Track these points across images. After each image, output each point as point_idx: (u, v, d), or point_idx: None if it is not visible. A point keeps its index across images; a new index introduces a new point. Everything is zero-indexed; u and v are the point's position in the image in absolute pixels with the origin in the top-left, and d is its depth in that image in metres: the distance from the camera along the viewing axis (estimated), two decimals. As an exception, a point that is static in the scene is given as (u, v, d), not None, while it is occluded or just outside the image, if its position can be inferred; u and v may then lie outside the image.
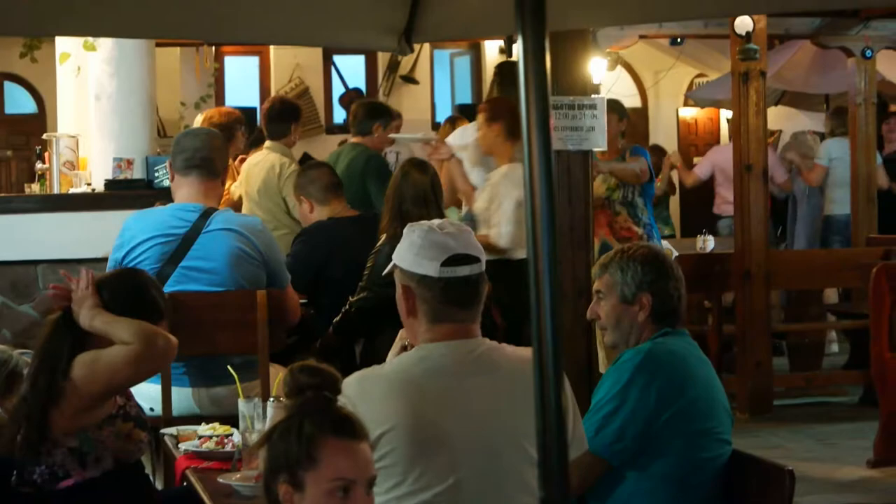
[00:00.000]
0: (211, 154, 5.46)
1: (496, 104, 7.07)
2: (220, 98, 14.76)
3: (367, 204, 7.07)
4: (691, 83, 16.73)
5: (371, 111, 7.94)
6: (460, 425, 3.06)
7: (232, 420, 4.17)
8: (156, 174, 7.97)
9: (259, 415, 3.92)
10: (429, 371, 3.11)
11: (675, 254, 8.09)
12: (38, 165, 8.86)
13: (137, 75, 8.28)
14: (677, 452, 3.63)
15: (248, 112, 8.39)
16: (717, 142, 16.25)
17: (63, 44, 8.62)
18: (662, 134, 16.61)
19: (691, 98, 16.12)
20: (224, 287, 5.26)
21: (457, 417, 3.06)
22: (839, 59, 10.89)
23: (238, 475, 3.65)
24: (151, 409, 4.93)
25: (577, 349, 6.64)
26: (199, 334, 5.14)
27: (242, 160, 7.75)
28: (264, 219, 6.45)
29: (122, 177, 8.03)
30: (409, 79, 15.27)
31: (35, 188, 8.92)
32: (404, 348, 3.37)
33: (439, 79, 15.76)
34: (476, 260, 3.19)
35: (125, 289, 4.16)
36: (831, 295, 10.44)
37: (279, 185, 7.47)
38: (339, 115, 14.94)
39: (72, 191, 8.18)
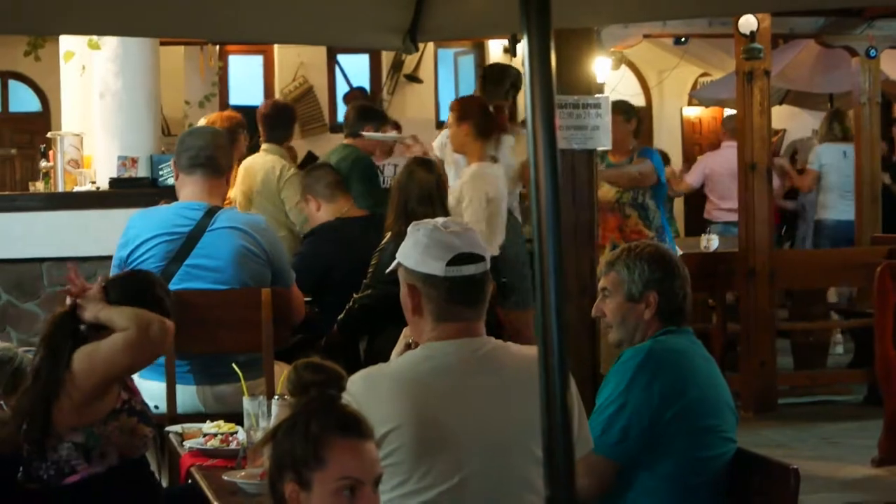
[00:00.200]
0: (215, 153, 5.47)
1: (465, 103, 7.10)
2: (223, 97, 14.75)
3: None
4: (695, 82, 16.71)
5: (363, 114, 7.97)
6: (465, 424, 3.06)
7: (237, 418, 4.17)
8: (160, 172, 7.97)
9: (264, 412, 3.93)
10: (434, 370, 3.12)
11: (679, 252, 8.09)
12: (43, 164, 8.86)
13: (142, 74, 8.28)
14: (682, 450, 3.63)
15: (252, 111, 8.38)
16: (720, 143, 16.22)
17: (67, 42, 8.62)
18: (666, 133, 16.59)
19: (695, 97, 16.11)
20: (229, 285, 5.26)
21: (462, 416, 3.06)
22: (843, 59, 10.87)
23: (243, 473, 3.65)
24: (156, 407, 4.94)
25: (581, 348, 6.65)
26: (203, 332, 5.15)
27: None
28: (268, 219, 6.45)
29: (126, 175, 8.02)
30: (413, 78, 15.26)
31: (39, 186, 8.92)
32: (408, 346, 3.38)
33: (443, 78, 15.75)
34: (481, 259, 3.19)
35: (131, 288, 4.18)
36: (831, 294, 10.45)
37: (278, 187, 7.48)
38: (343, 114, 14.93)
39: (76, 189, 8.18)
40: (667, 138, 16.13)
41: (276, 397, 3.75)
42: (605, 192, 8.03)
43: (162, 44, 9.24)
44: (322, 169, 6.68)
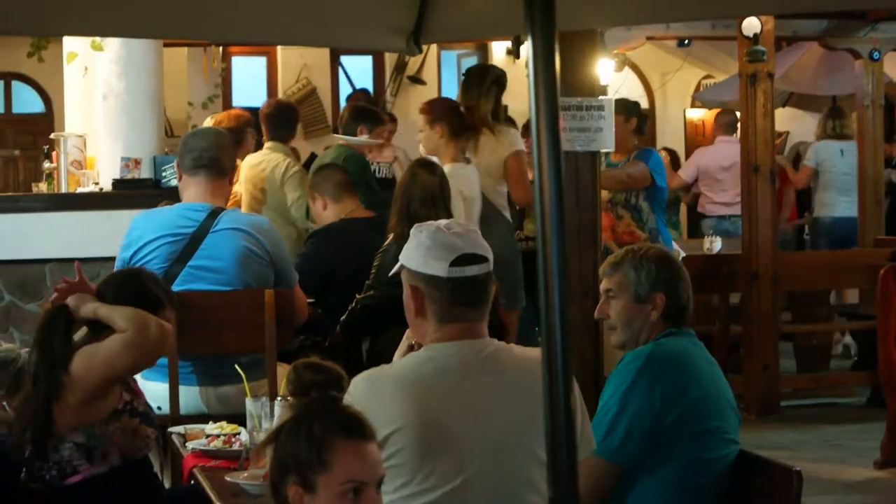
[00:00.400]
0: (219, 154, 5.47)
1: (436, 106, 7.12)
2: (227, 98, 14.76)
3: None
4: (699, 85, 16.70)
5: (357, 114, 7.98)
6: (468, 425, 3.06)
7: (239, 419, 4.17)
8: (163, 174, 7.97)
9: (266, 414, 3.93)
10: (437, 371, 3.12)
11: (683, 254, 8.09)
12: (46, 165, 8.86)
13: (145, 75, 8.28)
14: (684, 452, 3.63)
15: (256, 112, 8.40)
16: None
17: (70, 44, 8.63)
18: (670, 135, 16.59)
19: (699, 99, 16.10)
20: (232, 286, 5.26)
21: (465, 417, 3.06)
22: (847, 61, 10.87)
23: (246, 474, 3.65)
24: (159, 408, 4.94)
25: (584, 349, 6.65)
26: (206, 333, 5.15)
27: None
28: (270, 218, 6.46)
29: (129, 176, 8.02)
30: (417, 79, 15.26)
31: (43, 187, 8.92)
32: (411, 348, 3.38)
33: (446, 80, 15.75)
34: (484, 259, 3.19)
35: (124, 286, 4.18)
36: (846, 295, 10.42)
37: (282, 184, 7.51)
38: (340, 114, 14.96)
39: (79, 190, 8.18)
40: (670, 140, 16.11)
41: (279, 398, 3.74)
42: None
43: (165, 45, 9.25)
44: (330, 168, 6.69)
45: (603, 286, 3.89)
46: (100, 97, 8.29)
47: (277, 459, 2.62)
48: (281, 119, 7.88)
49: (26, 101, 16.19)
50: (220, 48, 14.13)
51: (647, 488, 3.65)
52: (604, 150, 7.28)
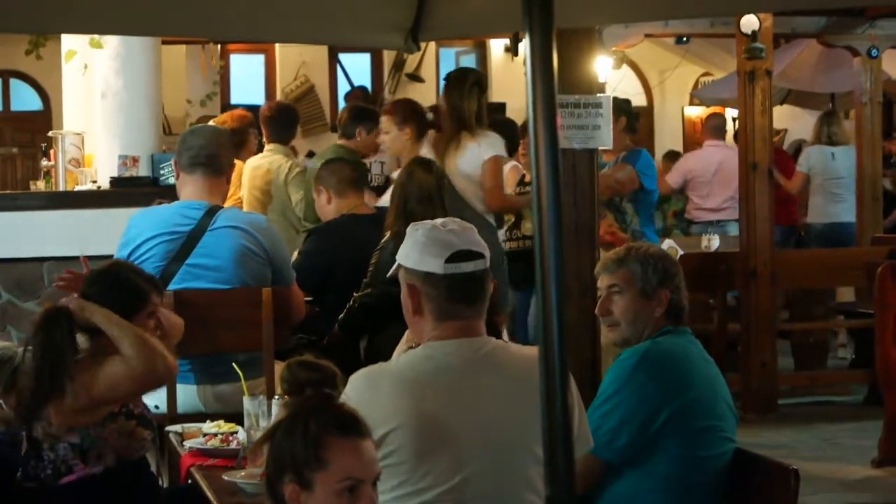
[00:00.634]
0: (216, 152, 5.47)
1: (402, 107, 7.16)
2: (225, 96, 14.78)
3: None
4: (697, 82, 16.73)
5: (356, 115, 7.98)
6: (466, 424, 3.06)
7: (237, 417, 4.17)
8: (161, 172, 7.98)
9: (264, 412, 3.93)
10: (435, 369, 3.12)
11: (680, 252, 8.08)
12: (44, 163, 8.87)
13: (143, 73, 8.29)
14: (679, 451, 3.63)
15: (254, 110, 8.42)
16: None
17: (69, 41, 8.63)
18: (668, 133, 16.61)
19: (697, 97, 16.12)
20: (229, 285, 5.26)
21: (463, 416, 3.06)
22: (845, 59, 10.88)
23: (243, 473, 3.65)
24: (157, 407, 4.94)
25: (582, 348, 6.64)
26: (204, 332, 5.15)
27: None
28: (273, 220, 6.47)
29: (127, 174, 8.03)
30: (415, 77, 15.28)
31: (41, 185, 8.92)
32: (411, 349, 3.37)
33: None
34: (480, 256, 3.19)
35: (106, 283, 4.17)
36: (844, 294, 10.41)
37: (285, 186, 7.52)
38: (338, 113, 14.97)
39: (77, 188, 8.18)
40: (668, 138, 16.15)
41: (277, 397, 3.74)
42: None
43: (164, 43, 9.25)
44: (340, 163, 6.67)
45: (605, 282, 3.87)
46: (98, 95, 8.29)
47: (273, 458, 2.62)
48: (282, 121, 7.90)
49: (24, 99, 16.20)
50: (219, 46, 14.15)
51: (644, 486, 3.65)
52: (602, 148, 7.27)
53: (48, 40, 9.92)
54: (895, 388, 7.13)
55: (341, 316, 5.76)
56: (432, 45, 15.02)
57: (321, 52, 14.81)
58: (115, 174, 8.05)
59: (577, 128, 6.71)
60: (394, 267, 3.27)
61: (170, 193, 6.03)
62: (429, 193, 5.71)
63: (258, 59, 15.23)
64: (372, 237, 5.88)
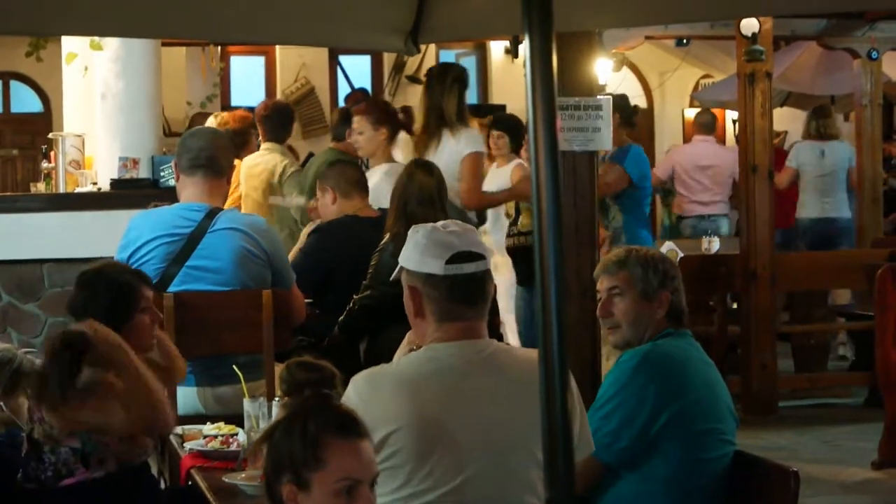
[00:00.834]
0: (216, 153, 5.46)
1: (376, 108, 7.15)
2: (225, 98, 14.77)
3: None
4: (697, 84, 16.72)
5: (347, 117, 7.97)
6: (467, 426, 3.06)
7: (237, 419, 4.17)
8: (161, 173, 7.98)
9: (264, 414, 3.93)
10: (437, 371, 3.12)
11: (681, 255, 8.08)
12: (44, 164, 8.88)
13: (143, 75, 8.29)
14: (679, 453, 3.63)
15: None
16: (723, 143, 16.23)
17: (70, 43, 8.63)
18: (668, 135, 16.60)
19: (697, 99, 16.10)
20: (229, 286, 5.26)
21: (464, 418, 3.06)
22: (845, 61, 10.88)
23: (243, 475, 3.65)
24: (157, 409, 4.93)
25: (582, 349, 6.64)
26: (204, 334, 5.14)
27: None
28: (269, 219, 6.46)
29: (127, 176, 8.03)
30: (415, 79, 15.26)
31: (41, 187, 8.93)
32: (412, 351, 3.37)
33: (445, 79, 15.75)
34: (481, 257, 3.19)
35: (97, 284, 4.18)
36: (841, 295, 10.41)
37: (280, 185, 7.51)
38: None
39: (77, 190, 8.19)
40: (668, 140, 16.14)
41: (277, 399, 3.74)
42: None
43: (164, 44, 9.27)
44: (346, 164, 6.67)
45: (605, 284, 3.86)
46: (98, 97, 8.30)
47: (272, 458, 2.62)
48: (277, 120, 7.89)
49: (25, 101, 16.19)
50: (219, 48, 14.15)
51: (644, 488, 3.65)
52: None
53: (48, 42, 9.92)
54: (895, 390, 7.13)
55: (341, 318, 5.75)
56: (433, 47, 15.01)
57: (321, 53, 14.80)
58: (116, 176, 8.06)
59: (577, 130, 6.71)
60: (396, 269, 3.28)
61: (170, 195, 6.03)
62: (429, 195, 5.71)
63: (258, 61, 15.22)
64: (373, 240, 5.87)
